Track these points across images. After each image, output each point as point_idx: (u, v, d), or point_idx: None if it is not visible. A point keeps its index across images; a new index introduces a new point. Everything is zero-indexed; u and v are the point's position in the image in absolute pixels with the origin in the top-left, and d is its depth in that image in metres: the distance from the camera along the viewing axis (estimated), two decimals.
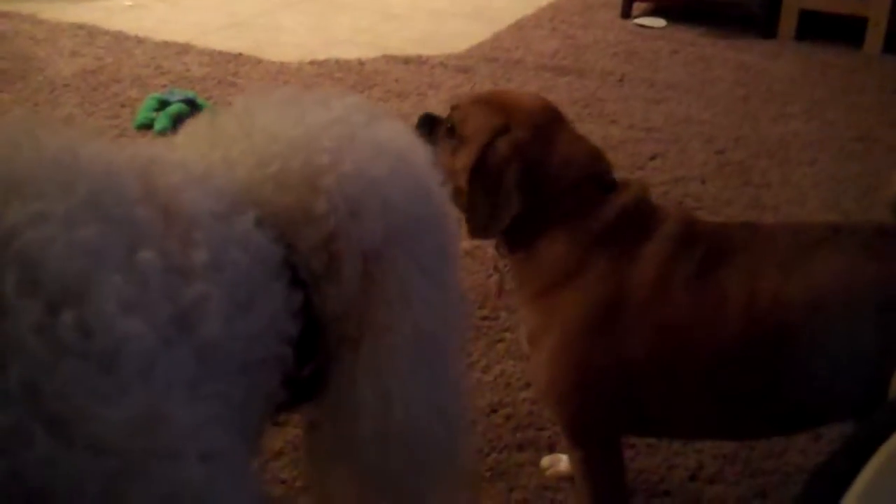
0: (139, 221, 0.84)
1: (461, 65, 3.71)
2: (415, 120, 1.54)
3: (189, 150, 1.02)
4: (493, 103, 1.44)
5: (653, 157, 2.97)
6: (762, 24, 4.14)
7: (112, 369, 0.75)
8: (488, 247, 1.56)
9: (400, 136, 1.08)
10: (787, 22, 4.13)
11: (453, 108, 1.49)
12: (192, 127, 1.07)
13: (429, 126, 1.51)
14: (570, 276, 1.35)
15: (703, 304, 1.32)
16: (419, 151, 1.09)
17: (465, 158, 1.41)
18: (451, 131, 1.45)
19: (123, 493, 0.75)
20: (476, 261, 2.29)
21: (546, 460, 1.71)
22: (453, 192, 1.41)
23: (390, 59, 3.72)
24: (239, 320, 0.89)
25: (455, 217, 1.16)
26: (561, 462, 1.69)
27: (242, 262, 0.90)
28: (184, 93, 3.17)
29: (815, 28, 4.10)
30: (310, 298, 0.98)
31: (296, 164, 0.98)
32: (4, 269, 0.72)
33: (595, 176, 1.40)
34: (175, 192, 0.90)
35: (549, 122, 1.42)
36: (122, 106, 3.20)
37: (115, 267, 0.78)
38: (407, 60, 3.72)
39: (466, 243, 2.38)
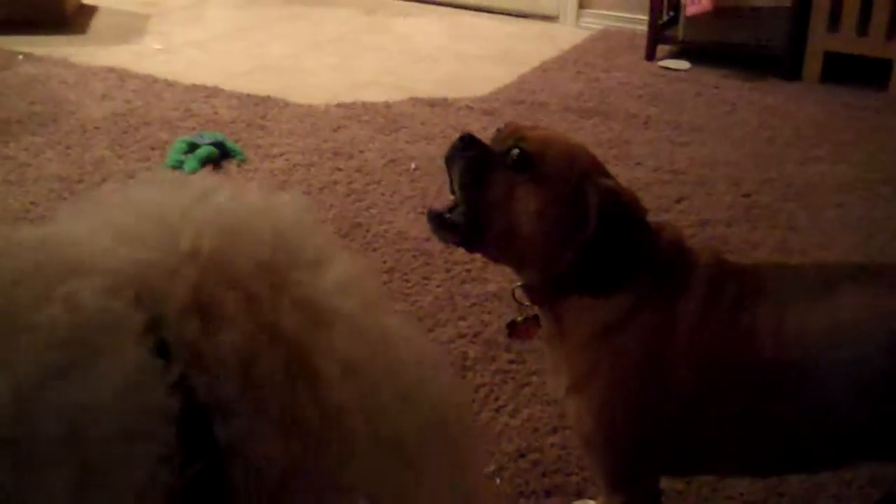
0: None
1: (487, 107, 3.73)
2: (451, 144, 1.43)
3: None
4: (562, 146, 1.38)
5: (679, 200, 2.97)
6: (786, 67, 4.15)
7: None
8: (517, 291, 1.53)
9: (259, 194, 0.93)
10: (812, 64, 4.13)
11: (520, 139, 1.38)
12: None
13: (468, 148, 1.40)
14: (624, 321, 1.34)
15: (737, 337, 1.32)
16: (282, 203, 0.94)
17: (533, 196, 1.33)
18: (521, 164, 1.34)
19: None
20: (503, 303, 2.29)
21: None
22: (504, 232, 1.36)
23: (416, 102, 3.75)
24: (59, 386, 0.71)
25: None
26: None
27: (61, 323, 0.73)
28: (213, 135, 3.21)
29: (839, 70, 4.11)
30: (186, 373, 0.77)
31: (153, 220, 0.84)
32: None
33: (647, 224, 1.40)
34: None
35: (603, 167, 1.41)
36: (153, 149, 3.23)
37: None
38: (433, 103, 3.75)
39: (493, 285, 2.39)
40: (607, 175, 1.38)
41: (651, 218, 1.40)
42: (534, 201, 1.33)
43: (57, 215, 0.91)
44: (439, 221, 1.39)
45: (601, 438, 1.39)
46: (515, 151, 1.35)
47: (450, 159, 1.41)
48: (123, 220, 0.84)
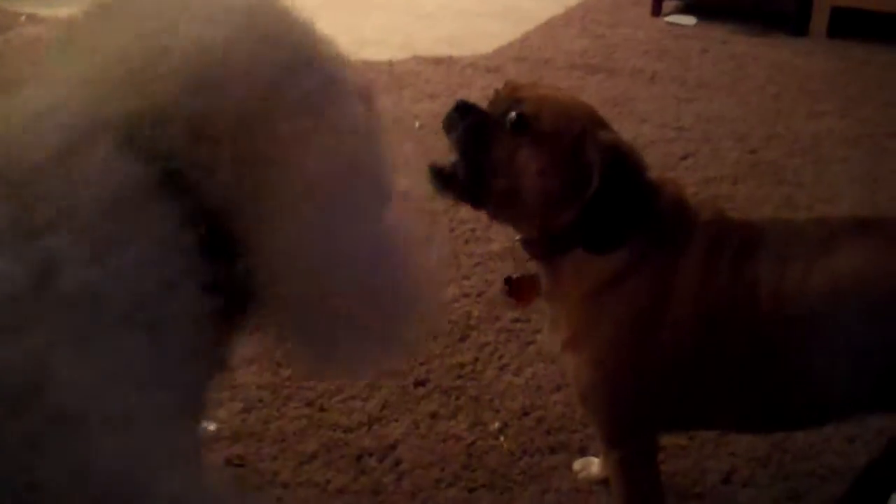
0: None
1: (491, 65, 3.71)
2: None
3: (38, 81, 0.95)
4: (560, 103, 1.38)
5: (684, 157, 2.96)
6: (794, 22, 4.11)
7: None
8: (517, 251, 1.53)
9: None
10: (819, 19, 4.10)
11: (516, 101, 1.38)
12: (47, 52, 0.99)
13: (465, 115, 1.40)
14: (622, 277, 1.34)
15: (737, 292, 1.32)
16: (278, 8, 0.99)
17: (534, 157, 1.33)
18: (522, 125, 1.34)
19: (29, 467, 0.70)
20: (507, 263, 2.29)
21: (578, 463, 1.71)
22: (506, 192, 1.36)
23: (420, 60, 3.73)
24: (112, 258, 0.80)
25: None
26: (593, 465, 1.69)
27: (101, 197, 0.81)
28: None
29: (846, 25, 4.07)
30: (195, 193, 0.87)
31: (136, 64, 0.88)
32: None
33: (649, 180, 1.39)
34: (7, 144, 0.82)
35: (605, 122, 1.40)
36: None
37: None
38: (437, 61, 3.72)
39: (497, 245, 2.39)
40: (608, 129, 1.37)
41: (655, 174, 1.39)
42: (535, 162, 1.33)
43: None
44: (441, 177, 1.39)
45: (598, 394, 1.39)
46: (512, 115, 1.35)
47: (447, 127, 1.40)
48: (111, 68, 0.88)
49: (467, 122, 1.38)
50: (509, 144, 1.35)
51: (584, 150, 1.32)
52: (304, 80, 0.96)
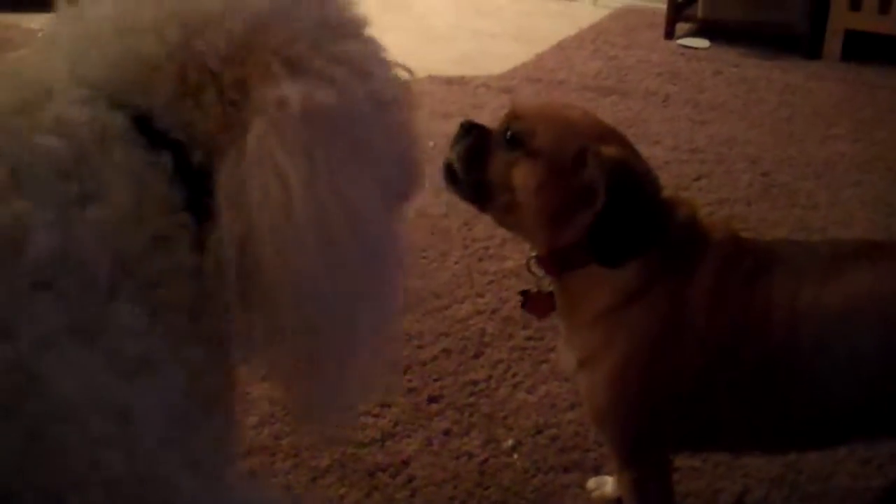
0: None
1: (504, 85, 3.72)
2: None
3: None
4: (560, 120, 1.39)
5: (697, 178, 2.96)
6: (807, 45, 4.12)
7: None
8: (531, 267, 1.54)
9: None
10: (833, 43, 4.11)
11: (514, 118, 1.41)
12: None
13: (476, 134, 1.43)
14: (635, 296, 1.34)
15: (750, 313, 1.33)
16: None
17: (530, 174, 1.35)
18: (515, 142, 1.37)
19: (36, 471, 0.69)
20: (521, 280, 2.29)
21: (592, 482, 1.70)
22: (506, 205, 1.38)
23: (434, 80, 3.75)
24: (87, 211, 0.76)
25: None
26: (607, 485, 1.68)
27: (60, 153, 0.77)
28: None
29: (860, 49, 4.08)
30: (183, 151, 0.83)
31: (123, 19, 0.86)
32: None
33: (660, 197, 1.39)
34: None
35: (614, 136, 1.40)
36: None
37: None
38: (450, 81, 3.74)
39: (511, 262, 2.39)
40: (619, 144, 1.36)
41: (668, 194, 1.40)
42: (531, 177, 1.35)
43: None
44: (451, 175, 1.43)
45: (612, 413, 1.39)
46: (508, 131, 1.38)
47: (452, 146, 1.44)
48: (92, 31, 0.86)
49: (468, 140, 1.42)
50: (505, 161, 1.37)
51: (586, 165, 1.32)
52: (308, 12, 0.90)
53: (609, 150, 1.32)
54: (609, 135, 1.38)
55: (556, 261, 1.40)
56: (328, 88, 0.85)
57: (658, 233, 1.35)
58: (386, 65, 0.99)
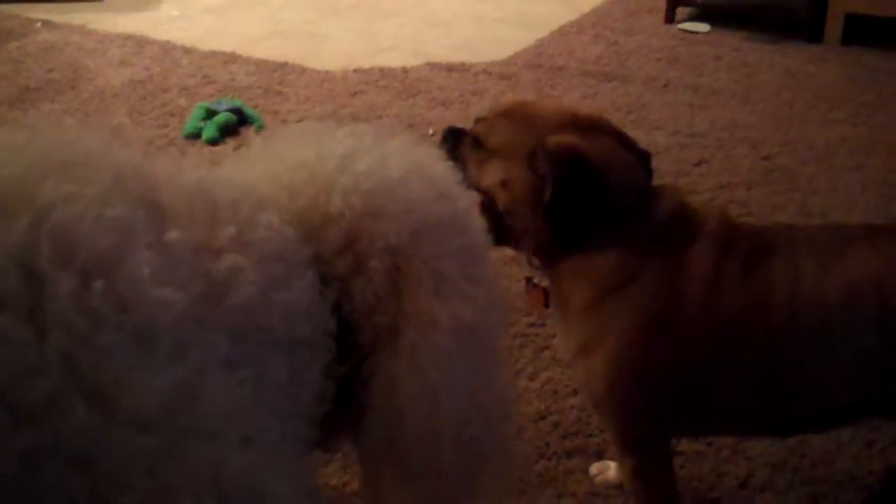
0: (164, 205, 0.87)
1: (505, 72, 3.71)
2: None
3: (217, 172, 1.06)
4: (519, 115, 1.44)
5: (698, 164, 2.96)
6: (807, 29, 4.11)
7: (147, 341, 0.77)
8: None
9: (411, 146, 1.11)
10: (833, 26, 4.09)
11: (478, 120, 1.49)
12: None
13: (453, 139, 1.50)
14: (624, 283, 1.35)
15: (749, 297, 1.33)
16: (433, 157, 1.13)
17: (493, 171, 1.40)
18: (477, 143, 1.44)
19: (166, 474, 0.76)
20: (520, 267, 2.29)
21: (595, 467, 1.71)
22: (480, 205, 1.41)
23: (434, 67, 3.74)
24: (274, 292, 0.90)
25: (478, 218, 1.16)
26: (609, 469, 1.69)
27: (272, 240, 0.93)
28: (231, 102, 3.21)
29: (861, 32, 4.06)
30: (339, 300, 1.00)
31: (306, 174, 1.02)
32: (40, 242, 0.75)
33: (636, 180, 1.40)
34: (200, 182, 0.93)
35: (584, 124, 1.41)
36: (171, 115, 3.24)
37: (145, 244, 0.81)
38: (450, 68, 3.73)
39: (510, 250, 2.39)
40: (585, 131, 1.39)
41: (667, 182, 1.41)
42: (493, 174, 1.41)
43: (223, 161, 1.12)
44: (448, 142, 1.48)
45: (609, 400, 1.40)
46: (471, 134, 1.45)
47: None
48: (283, 173, 1.03)
49: (447, 145, 1.47)
50: (473, 162, 1.43)
51: (538, 159, 1.36)
52: (456, 235, 1.06)
53: (555, 140, 1.35)
54: (572, 125, 1.40)
55: (544, 253, 1.43)
56: (471, 308, 1.02)
57: (617, 216, 1.36)
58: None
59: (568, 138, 1.37)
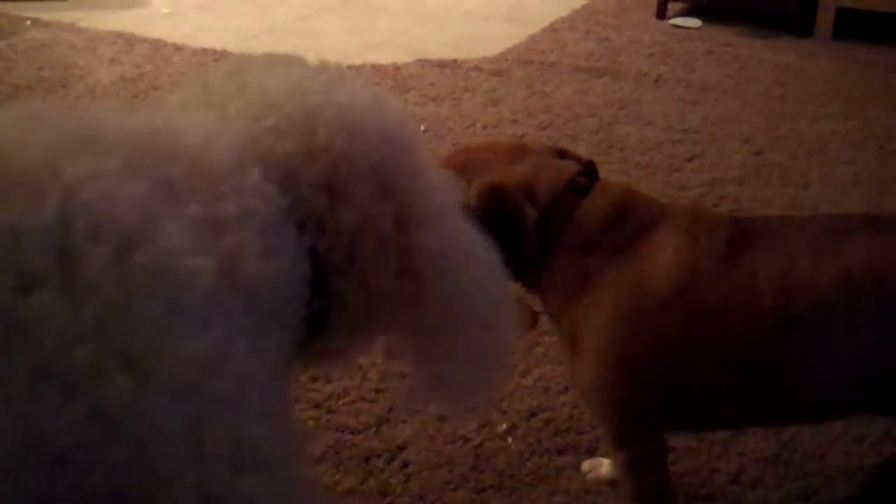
0: (175, 180, 0.90)
1: (496, 68, 3.71)
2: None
3: (187, 113, 1.07)
4: (456, 163, 1.44)
5: (690, 159, 2.96)
6: (798, 24, 4.11)
7: (179, 308, 0.80)
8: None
9: (368, 83, 1.17)
10: (824, 21, 4.10)
11: None
12: (184, 90, 1.13)
13: None
14: (582, 283, 1.37)
15: (733, 285, 1.32)
16: (387, 94, 1.17)
17: None
18: None
19: (200, 440, 0.79)
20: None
21: (587, 464, 1.71)
22: None
23: (425, 63, 3.73)
24: (271, 262, 0.94)
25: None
26: (602, 466, 1.69)
27: (262, 210, 0.95)
28: None
29: (852, 27, 4.07)
30: (314, 244, 1.02)
31: (291, 111, 1.03)
32: (74, 218, 0.78)
33: (568, 185, 1.40)
34: (197, 151, 0.95)
35: (506, 155, 1.44)
36: None
37: (169, 218, 0.85)
38: (442, 64, 3.73)
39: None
40: (519, 154, 1.43)
41: (660, 177, 1.41)
42: None
43: (179, 93, 1.13)
44: None
45: (599, 395, 1.41)
46: None
47: None
48: (265, 111, 1.03)
49: None
50: None
51: (476, 200, 1.38)
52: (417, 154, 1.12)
53: (477, 185, 1.38)
54: (497, 159, 1.43)
55: (528, 283, 1.45)
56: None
57: (557, 223, 1.39)
58: None
59: (485, 179, 1.39)
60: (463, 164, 1.43)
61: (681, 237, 1.35)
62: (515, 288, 1.47)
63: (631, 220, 1.38)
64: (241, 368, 0.84)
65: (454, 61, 3.76)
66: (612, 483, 1.65)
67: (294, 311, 0.99)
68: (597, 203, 1.39)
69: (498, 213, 1.36)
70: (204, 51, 3.82)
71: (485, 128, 3.11)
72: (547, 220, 1.38)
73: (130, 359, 0.76)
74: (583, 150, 2.02)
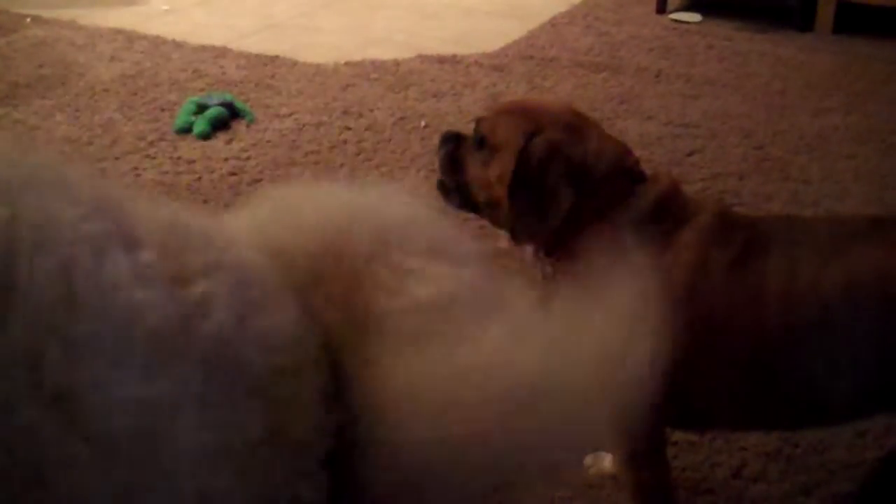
0: (135, 228, 0.81)
1: (496, 63, 3.71)
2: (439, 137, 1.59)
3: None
4: (519, 111, 1.48)
5: (690, 154, 2.96)
6: (799, 18, 4.10)
7: (123, 343, 0.72)
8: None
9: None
10: (825, 15, 4.09)
11: (478, 121, 1.52)
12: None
13: (453, 142, 1.54)
14: (610, 269, 1.36)
15: (742, 290, 1.32)
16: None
17: (498, 167, 1.43)
18: (481, 143, 1.47)
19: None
20: (514, 259, 2.28)
21: (589, 458, 1.70)
22: (487, 202, 1.48)
23: (425, 59, 3.73)
24: (252, 319, 0.82)
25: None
26: (604, 460, 1.68)
27: (245, 266, 0.86)
28: (222, 96, 3.20)
29: (852, 21, 4.06)
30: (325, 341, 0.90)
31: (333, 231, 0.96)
32: (20, 230, 0.71)
33: (626, 169, 1.42)
34: (175, 215, 0.88)
35: (575, 121, 1.45)
36: (162, 110, 3.23)
37: (122, 255, 0.77)
38: (442, 60, 3.72)
39: (503, 241, 2.38)
40: (571, 126, 1.43)
41: (652, 169, 1.43)
42: (495, 170, 1.44)
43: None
44: (444, 189, 1.55)
45: None
46: (475, 135, 1.50)
47: (438, 153, 1.57)
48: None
49: (447, 148, 1.53)
50: (476, 161, 1.48)
51: (531, 146, 1.40)
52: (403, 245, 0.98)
53: (544, 137, 1.40)
54: (564, 118, 1.42)
55: (549, 247, 1.45)
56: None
57: (604, 204, 1.40)
58: None
59: (553, 134, 1.40)
60: (525, 111, 1.47)
61: (701, 239, 1.36)
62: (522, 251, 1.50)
63: (669, 217, 1.39)
64: (184, 439, 0.74)
65: (454, 57, 3.76)
66: (614, 477, 1.65)
67: (298, 384, 0.85)
68: (649, 194, 1.40)
69: (545, 171, 1.38)
70: (203, 47, 3.81)
71: None
72: (594, 195, 1.39)
73: (57, 393, 0.67)
74: None
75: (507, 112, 1.50)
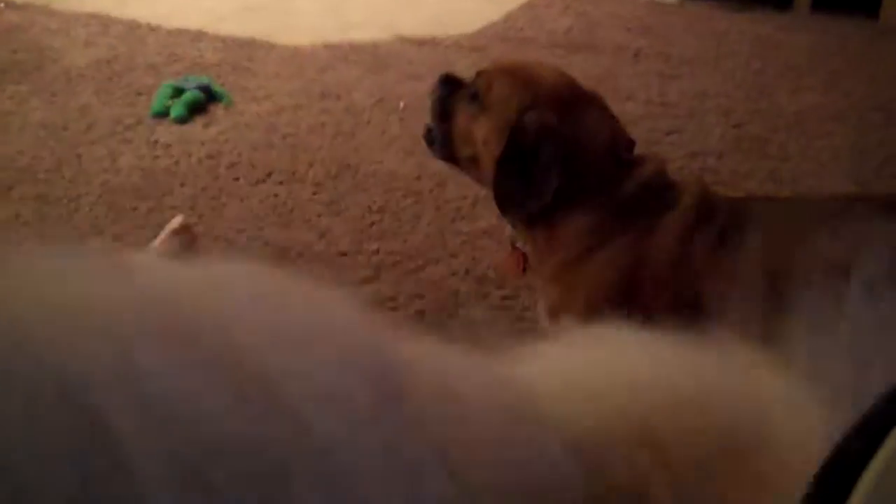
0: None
1: (475, 45, 3.69)
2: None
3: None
4: (519, 76, 1.45)
5: (669, 133, 2.96)
6: None
7: None
8: (506, 226, 1.56)
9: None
10: None
11: (479, 73, 1.50)
12: None
13: (450, 86, 1.52)
14: (592, 250, 1.36)
15: (722, 272, 1.33)
16: None
17: (485, 128, 1.41)
18: (475, 97, 1.45)
19: None
20: (494, 240, 2.29)
21: None
22: (468, 158, 1.47)
23: (404, 41, 3.71)
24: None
25: None
26: None
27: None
28: (198, 79, 3.18)
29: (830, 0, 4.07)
30: None
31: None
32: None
33: (614, 151, 1.42)
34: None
35: (573, 97, 1.44)
36: (139, 94, 3.20)
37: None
38: (420, 42, 3.71)
39: (483, 222, 2.38)
40: (573, 101, 1.43)
41: (638, 150, 1.42)
42: (481, 129, 1.44)
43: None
44: (430, 136, 1.54)
45: None
46: (471, 87, 1.49)
47: (430, 96, 1.56)
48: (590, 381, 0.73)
49: (442, 92, 1.52)
50: (466, 114, 1.46)
51: (525, 122, 1.39)
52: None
53: (538, 115, 1.39)
54: (562, 94, 1.41)
55: (531, 223, 1.45)
56: None
57: (592, 184, 1.40)
58: None
59: (547, 113, 1.40)
60: (525, 78, 1.45)
61: (683, 224, 1.37)
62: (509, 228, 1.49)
63: (652, 201, 1.40)
64: None
65: (433, 39, 3.75)
66: None
67: None
68: (635, 178, 1.41)
69: (536, 151, 1.37)
70: (179, 31, 3.78)
71: None
72: (582, 177, 1.39)
73: None
74: None
75: (507, 73, 1.47)
